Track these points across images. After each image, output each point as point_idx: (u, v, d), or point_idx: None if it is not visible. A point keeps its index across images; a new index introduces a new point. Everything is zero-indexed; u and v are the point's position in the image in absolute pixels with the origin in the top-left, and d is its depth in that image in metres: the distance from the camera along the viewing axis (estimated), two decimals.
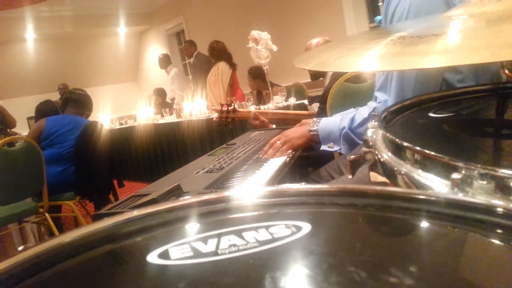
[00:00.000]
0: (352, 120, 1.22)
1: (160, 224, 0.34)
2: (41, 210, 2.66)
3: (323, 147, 1.29)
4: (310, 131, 1.30)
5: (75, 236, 0.30)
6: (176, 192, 0.89)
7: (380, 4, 4.59)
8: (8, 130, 5.50)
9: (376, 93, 1.16)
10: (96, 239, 0.31)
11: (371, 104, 1.18)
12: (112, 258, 0.31)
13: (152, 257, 0.29)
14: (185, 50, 5.53)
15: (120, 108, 7.34)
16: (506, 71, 0.83)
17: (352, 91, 2.19)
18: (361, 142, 1.20)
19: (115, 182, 3.29)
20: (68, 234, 0.31)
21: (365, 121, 1.18)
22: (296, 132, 1.33)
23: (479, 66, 1.05)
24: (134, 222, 0.33)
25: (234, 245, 0.30)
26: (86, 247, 0.31)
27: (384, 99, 1.12)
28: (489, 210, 0.31)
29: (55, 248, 0.30)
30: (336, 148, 1.26)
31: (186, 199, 0.35)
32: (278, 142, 1.30)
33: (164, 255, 0.29)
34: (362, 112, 1.21)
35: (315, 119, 1.33)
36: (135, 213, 0.33)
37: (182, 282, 0.25)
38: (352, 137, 1.21)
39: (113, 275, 0.28)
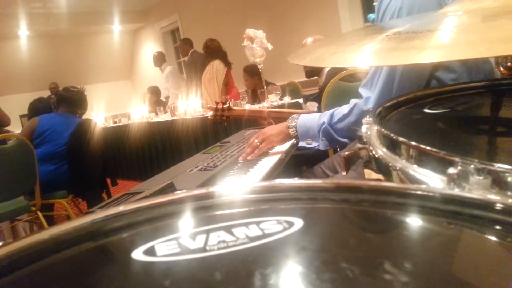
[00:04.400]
0: (332, 115, 1.21)
1: (147, 220, 0.33)
2: (34, 208, 2.64)
3: (301, 143, 1.28)
4: (289, 127, 1.28)
5: (57, 232, 0.29)
6: (169, 190, 0.88)
7: (375, 4, 4.61)
8: (3, 128, 5.46)
9: (360, 90, 1.15)
10: (80, 235, 0.30)
11: (353, 101, 1.17)
12: (96, 255, 0.30)
13: (137, 254, 0.27)
14: (180, 48, 5.48)
15: (114, 106, 7.29)
16: (501, 68, 0.83)
17: (347, 90, 2.19)
18: (339, 139, 1.20)
19: (108, 180, 3.27)
20: (51, 229, 0.29)
21: (345, 117, 1.17)
22: (274, 129, 1.31)
23: (473, 65, 1.05)
24: (120, 218, 0.32)
25: (223, 241, 0.29)
26: (69, 243, 0.29)
27: (366, 96, 1.11)
28: (486, 205, 0.30)
29: (36, 244, 0.28)
30: (314, 144, 1.25)
31: (175, 194, 0.34)
32: (256, 140, 1.29)
33: (150, 251, 0.28)
34: (342, 108, 1.20)
35: (294, 115, 1.32)
36: (121, 208, 0.32)
37: (168, 280, 0.24)
38: (331, 133, 1.21)
39: (95, 272, 0.26)
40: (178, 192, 0.35)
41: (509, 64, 0.79)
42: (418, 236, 0.31)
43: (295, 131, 1.28)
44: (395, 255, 0.27)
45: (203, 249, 0.28)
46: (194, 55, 5.19)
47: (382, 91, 1.06)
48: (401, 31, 0.65)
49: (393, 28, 0.68)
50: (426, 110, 0.69)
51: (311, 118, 1.27)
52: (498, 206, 0.30)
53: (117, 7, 8.20)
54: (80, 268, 0.28)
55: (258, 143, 1.27)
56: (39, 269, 0.27)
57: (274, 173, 1.13)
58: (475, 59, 1.04)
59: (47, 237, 0.30)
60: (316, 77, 3.21)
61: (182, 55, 5.61)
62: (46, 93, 6.31)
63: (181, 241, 0.29)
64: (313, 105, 2.84)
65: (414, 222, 0.33)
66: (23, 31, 7.81)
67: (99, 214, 0.31)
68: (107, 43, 9.34)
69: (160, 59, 6.13)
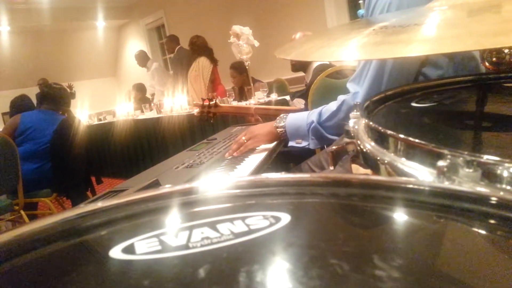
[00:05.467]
0: (320, 114, 1.20)
1: (127, 216, 0.31)
2: (17, 207, 2.59)
3: (291, 143, 1.27)
4: (277, 127, 1.27)
5: (30, 230, 0.27)
6: (154, 187, 0.86)
7: (360, 1, 4.63)
8: None
9: (348, 85, 1.14)
10: (55, 233, 0.28)
11: (340, 97, 1.17)
12: (70, 254, 0.28)
13: (115, 252, 0.26)
14: (166, 45, 5.41)
15: (98, 104, 7.18)
16: (487, 64, 0.83)
17: (334, 86, 2.19)
18: (329, 136, 1.19)
19: (93, 178, 3.22)
20: (24, 227, 0.28)
21: (333, 114, 1.17)
22: (262, 129, 1.30)
23: (459, 61, 1.06)
24: (98, 214, 0.30)
25: (207, 238, 0.27)
26: (43, 242, 0.28)
27: (354, 91, 1.11)
28: (476, 199, 0.30)
29: (8, 242, 0.27)
30: (304, 143, 1.24)
31: (156, 190, 0.33)
32: (244, 138, 1.27)
33: (129, 249, 0.26)
34: (329, 106, 1.19)
35: (282, 115, 1.31)
36: (99, 204, 0.30)
37: (147, 279, 0.23)
38: (321, 131, 1.20)
39: (69, 273, 0.25)
40: (160, 187, 0.33)
41: (494, 59, 0.80)
42: (407, 230, 0.31)
43: (284, 131, 1.26)
44: (385, 250, 0.27)
45: (186, 246, 0.26)
46: (180, 52, 5.14)
47: (371, 86, 1.06)
48: (387, 25, 0.64)
49: (380, 22, 0.68)
50: (414, 104, 0.69)
51: (300, 118, 1.26)
52: (488, 199, 0.29)
53: (101, 2, 8.07)
54: (52, 269, 0.27)
55: (245, 140, 1.26)
56: (8, 269, 0.26)
57: (261, 169, 1.13)
58: (462, 55, 1.04)
59: (22, 234, 0.28)
60: (302, 74, 3.21)
61: (168, 52, 5.52)
62: (28, 91, 6.18)
63: (162, 238, 0.28)
64: (300, 102, 2.84)
65: (404, 216, 0.32)
66: (3, 27, 7.62)
67: (75, 211, 0.29)
68: (91, 40, 9.19)
69: (143, 58, 5.99)
